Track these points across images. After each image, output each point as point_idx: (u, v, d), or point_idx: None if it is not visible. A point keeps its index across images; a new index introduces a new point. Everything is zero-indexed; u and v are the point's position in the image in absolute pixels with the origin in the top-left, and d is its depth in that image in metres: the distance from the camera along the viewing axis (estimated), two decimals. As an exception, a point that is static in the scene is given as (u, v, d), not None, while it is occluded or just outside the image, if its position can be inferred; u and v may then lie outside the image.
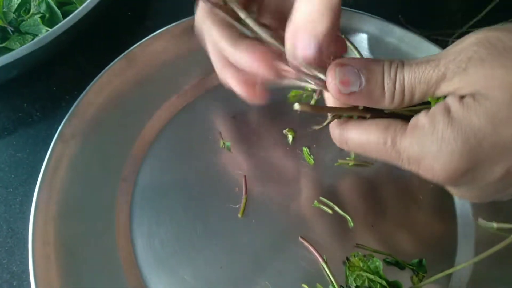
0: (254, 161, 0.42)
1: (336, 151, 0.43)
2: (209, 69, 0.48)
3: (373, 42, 0.50)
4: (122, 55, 0.46)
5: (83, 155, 0.41)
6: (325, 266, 0.36)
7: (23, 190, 0.42)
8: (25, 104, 0.47)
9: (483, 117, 0.22)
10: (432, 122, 0.24)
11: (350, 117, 0.28)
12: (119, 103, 0.45)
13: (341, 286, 0.35)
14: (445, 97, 0.25)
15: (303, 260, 0.37)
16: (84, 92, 0.43)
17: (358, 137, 0.27)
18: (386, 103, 0.25)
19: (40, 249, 0.35)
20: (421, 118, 0.24)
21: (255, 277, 0.36)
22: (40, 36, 0.46)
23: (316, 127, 0.37)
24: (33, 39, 0.46)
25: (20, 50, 0.44)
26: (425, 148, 0.24)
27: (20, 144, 0.44)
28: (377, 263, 0.36)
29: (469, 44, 0.23)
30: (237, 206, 0.40)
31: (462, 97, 0.23)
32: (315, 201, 0.40)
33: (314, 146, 0.43)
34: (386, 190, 0.41)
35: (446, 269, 0.36)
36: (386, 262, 0.37)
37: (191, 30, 0.49)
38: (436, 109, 0.24)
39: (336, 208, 0.40)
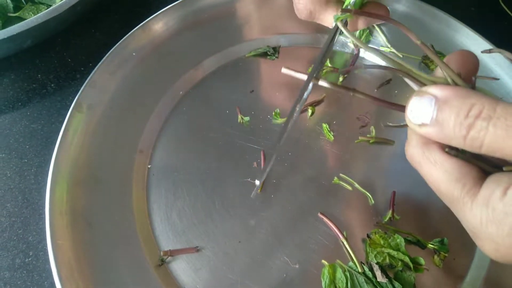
0: (272, 137, 0.41)
1: (356, 128, 0.42)
2: (226, 42, 0.48)
3: (400, 19, 0.48)
4: (138, 26, 0.45)
5: (99, 126, 0.40)
6: (345, 243, 0.36)
7: (37, 161, 0.41)
8: (39, 75, 0.47)
9: None
10: (505, 213, 0.21)
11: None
12: (136, 75, 0.44)
13: (361, 262, 0.35)
14: None
15: (322, 236, 0.36)
16: (100, 63, 0.42)
17: (429, 171, 0.25)
18: (455, 144, 0.22)
19: (57, 219, 0.35)
20: (494, 198, 0.21)
21: (274, 252, 0.36)
22: (54, 6, 0.44)
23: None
24: (47, 9, 0.45)
25: (33, 19, 0.43)
26: (488, 232, 0.22)
27: (34, 115, 0.44)
28: (399, 240, 0.35)
29: None
30: (255, 181, 0.39)
31: None
32: (335, 178, 0.39)
33: (334, 122, 0.42)
34: (407, 167, 0.40)
35: (469, 247, 0.36)
36: (407, 241, 0.36)
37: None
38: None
39: (356, 185, 0.39)
